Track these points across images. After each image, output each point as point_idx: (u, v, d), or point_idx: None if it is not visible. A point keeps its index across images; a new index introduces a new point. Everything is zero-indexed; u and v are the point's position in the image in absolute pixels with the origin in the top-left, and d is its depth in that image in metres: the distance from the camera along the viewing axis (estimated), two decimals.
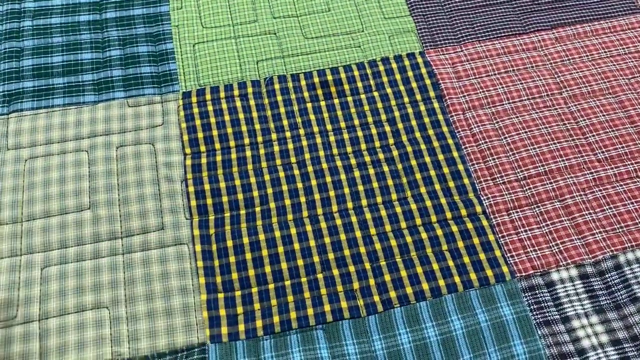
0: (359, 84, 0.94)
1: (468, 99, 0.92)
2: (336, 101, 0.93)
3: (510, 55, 0.97)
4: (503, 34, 0.99)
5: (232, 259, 0.77)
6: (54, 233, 0.78)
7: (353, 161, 0.86)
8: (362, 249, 0.79)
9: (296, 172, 0.85)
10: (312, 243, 0.79)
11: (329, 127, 0.90)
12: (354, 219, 0.81)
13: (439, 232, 0.80)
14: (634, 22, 1.01)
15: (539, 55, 0.97)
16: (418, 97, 0.93)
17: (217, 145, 0.87)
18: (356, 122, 0.90)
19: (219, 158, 0.86)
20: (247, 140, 0.88)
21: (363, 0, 1.03)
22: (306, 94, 0.93)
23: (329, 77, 0.95)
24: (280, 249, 0.78)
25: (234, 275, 0.76)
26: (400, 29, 1.00)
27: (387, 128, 0.90)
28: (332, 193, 0.84)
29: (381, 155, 0.87)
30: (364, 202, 0.83)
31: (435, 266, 0.77)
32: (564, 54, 0.97)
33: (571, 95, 0.93)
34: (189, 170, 0.85)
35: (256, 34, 0.99)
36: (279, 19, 1.01)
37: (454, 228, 0.80)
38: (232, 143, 0.88)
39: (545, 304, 0.74)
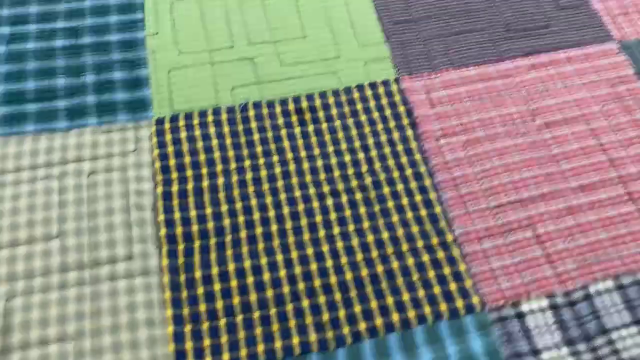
0: (334, 111, 0.94)
1: (442, 126, 0.93)
2: (311, 128, 0.93)
3: (485, 83, 0.98)
4: (478, 61, 1.00)
5: (200, 290, 0.76)
6: (20, 263, 0.77)
7: (326, 188, 0.86)
8: (333, 279, 0.78)
9: (268, 199, 0.85)
10: (282, 273, 0.78)
11: (302, 154, 0.90)
12: (325, 247, 0.81)
13: (410, 261, 0.79)
14: (607, 50, 1.02)
15: (514, 82, 0.98)
16: (392, 124, 0.93)
17: (189, 173, 0.87)
18: (330, 149, 0.90)
19: (190, 185, 0.86)
20: (219, 168, 0.88)
21: (339, 28, 1.03)
22: (281, 121, 0.93)
23: (304, 104, 0.95)
24: (250, 279, 0.77)
25: (202, 307, 0.75)
26: (375, 57, 1.00)
27: (361, 155, 0.90)
28: (303, 221, 0.83)
29: (354, 183, 0.87)
30: (336, 230, 0.82)
31: (406, 296, 0.76)
32: (538, 80, 0.98)
33: (545, 123, 0.93)
34: (159, 198, 0.84)
35: (232, 60, 0.99)
36: (255, 45, 1.01)
37: (425, 257, 0.80)
38: (204, 170, 0.87)
39: (516, 335, 0.74)
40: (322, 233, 0.82)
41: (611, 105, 0.95)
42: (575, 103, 0.95)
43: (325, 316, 0.75)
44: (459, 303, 0.76)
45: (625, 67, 1.00)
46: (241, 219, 0.83)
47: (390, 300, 0.76)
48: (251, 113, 0.94)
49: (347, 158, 0.89)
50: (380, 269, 0.79)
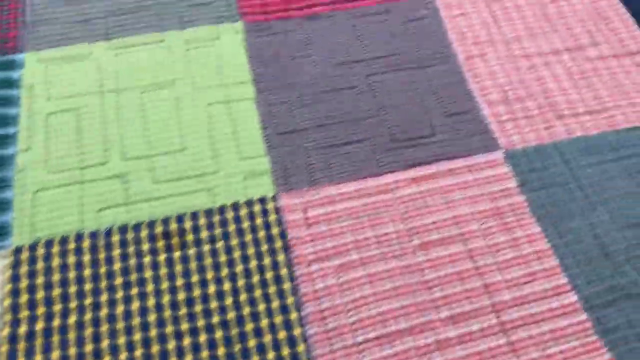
0: (204, 234, 0.90)
1: (315, 249, 0.89)
2: (177, 254, 0.88)
3: (363, 199, 0.95)
4: (359, 176, 0.98)
5: None
6: None
7: (185, 326, 0.82)
8: None
9: (121, 340, 0.80)
10: None
11: (164, 285, 0.85)
12: None
13: None
14: (491, 161, 1.00)
15: (393, 198, 0.95)
16: (264, 247, 0.89)
17: (40, 311, 0.82)
18: (194, 278, 0.86)
19: (39, 326, 0.81)
20: (73, 304, 0.83)
21: (220, 139, 1.01)
22: (145, 247, 0.89)
23: (173, 226, 0.91)
24: None
25: None
26: (255, 171, 0.97)
27: (227, 286, 0.85)
28: None
29: (216, 319, 0.82)
30: None
31: None
32: (417, 196, 0.96)
33: (421, 243, 0.90)
34: (4, 342, 0.79)
35: (103, 177, 0.96)
36: (130, 160, 0.98)
37: None
38: (56, 307, 0.82)
39: None
40: None
41: (491, 222, 0.93)
42: (455, 220, 0.93)
43: None
44: None
45: (508, 179, 0.98)
46: None
47: None
48: (115, 238, 0.89)
49: (212, 289, 0.85)
50: None
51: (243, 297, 0.85)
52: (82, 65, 1.07)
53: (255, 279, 0.86)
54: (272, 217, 0.92)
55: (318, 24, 1.16)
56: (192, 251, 0.89)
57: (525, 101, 1.08)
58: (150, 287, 0.85)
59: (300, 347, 0.80)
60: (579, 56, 1.15)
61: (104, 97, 1.04)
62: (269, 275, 0.87)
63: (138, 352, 0.79)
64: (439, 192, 0.96)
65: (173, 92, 1.05)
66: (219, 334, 0.81)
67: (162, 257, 0.88)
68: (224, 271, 0.87)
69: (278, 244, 0.90)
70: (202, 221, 0.92)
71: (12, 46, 1.09)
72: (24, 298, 0.83)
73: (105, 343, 0.80)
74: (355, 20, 1.17)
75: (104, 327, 0.81)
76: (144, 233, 0.90)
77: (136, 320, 0.82)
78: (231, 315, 0.83)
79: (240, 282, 0.86)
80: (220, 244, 0.89)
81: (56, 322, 0.81)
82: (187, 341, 0.80)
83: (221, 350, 0.80)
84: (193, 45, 1.11)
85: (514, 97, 1.08)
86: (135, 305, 0.83)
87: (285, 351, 0.80)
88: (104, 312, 0.82)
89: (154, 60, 1.09)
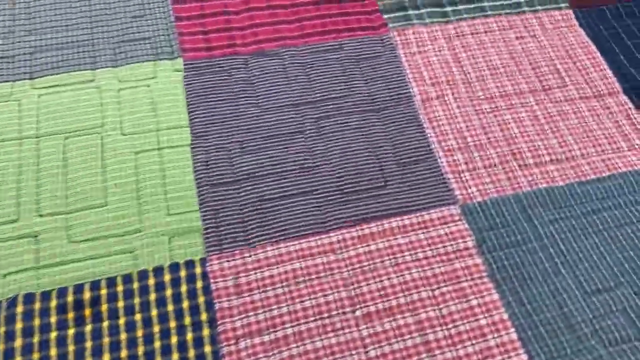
0: (120, 304, 0.80)
1: (246, 322, 0.79)
2: (88, 328, 0.78)
3: (305, 261, 0.85)
4: (301, 233, 0.88)
5: None
6: None
7: None
8: None
9: None
10: None
11: None
12: None
13: None
14: (447, 216, 0.91)
15: (337, 259, 0.86)
16: (187, 320, 0.79)
17: None
18: (105, 357, 0.76)
19: None
20: None
21: (147, 193, 0.91)
22: (53, 319, 0.78)
23: (86, 295, 0.81)
24: None
25: None
26: (184, 228, 0.88)
27: None
28: None
29: None
30: None
31: None
32: (364, 257, 0.86)
33: (365, 314, 0.81)
34: None
35: (13, 237, 0.85)
36: (45, 217, 0.87)
37: None
38: None
39: None
40: None
41: (443, 288, 0.84)
42: (404, 286, 0.84)
43: None
44: None
45: (465, 237, 0.89)
46: None
47: None
48: (19, 309, 0.79)
49: None
50: None
51: None
52: (1, 107, 0.97)
53: (175, 357, 0.76)
54: (199, 284, 0.82)
55: (265, 62, 1.07)
56: (105, 324, 0.78)
57: (486, 149, 0.99)
58: None
59: None
60: (546, 98, 1.07)
61: (22, 144, 0.94)
62: (191, 354, 0.76)
63: None
64: (388, 253, 0.87)
65: (99, 139, 0.95)
66: None
67: (71, 331, 0.78)
68: (140, 349, 0.77)
69: (203, 316, 0.80)
70: (119, 288, 0.81)
71: None
72: None
73: None
74: (305, 58, 1.09)
75: None
76: (53, 302, 0.80)
77: None
78: None
79: None
80: (139, 316, 0.79)
81: None
82: None
83: None
84: (126, 85, 1.02)
85: (474, 144, 1.00)
86: None
87: None
88: None
89: (81, 102, 0.99)
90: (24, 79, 1.01)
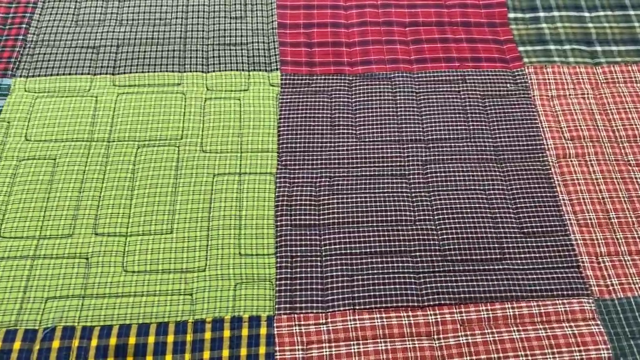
0: (168, 358, 0.67)
1: None
2: None
3: (392, 342, 0.69)
4: (390, 304, 0.72)
5: None
6: None
7: None
8: None
9: None
10: None
11: None
12: None
13: None
14: (576, 312, 0.72)
15: (431, 347, 0.69)
16: None
17: None
18: None
19: None
20: None
21: (219, 224, 0.78)
22: None
23: (131, 340, 0.68)
24: None
25: None
26: (254, 275, 0.74)
27: None
28: None
29: None
30: None
31: None
32: (465, 350, 0.69)
33: None
34: None
35: (62, 255, 0.74)
36: (101, 236, 0.76)
37: None
38: None
39: None
40: None
41: None
42: None
43: None
44: None
45: (598, 344, 0.69)
46: None
47: None
48: (55, 344, 0.68)
49: None
50: None
51: None
52: (77, 102, 0.88)
53: None
54: (262, 350, 0.68)
55: (372, 86, 0.92)
56: None
57: (634, 229, 0.79)
58: None
59: None
60: None
61: (90, 147, 0.84)
62: None
63: None
64: (498, 350, 0.69)
65: (175, 152, 0.83)
66: None
67: None
68: None
69: None
70: (170, 338, 0.69)
71: (2, 68, 0.91)
72: None
73: None
74: (420, 87, 0.93)
75: None
76: (94, 342, 0.68)
77: None
78: None
79: None
80: None
81: None
82: None
83: None
84: (215, 95, 0.89)
85: (619, 221, 0.80)
86: None
87: None
88: None
89: (163, 107, 0.88)
90: (106, 73, 0.91)
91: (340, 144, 0.86)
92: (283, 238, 0.77)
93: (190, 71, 0.92)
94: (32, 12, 0.97)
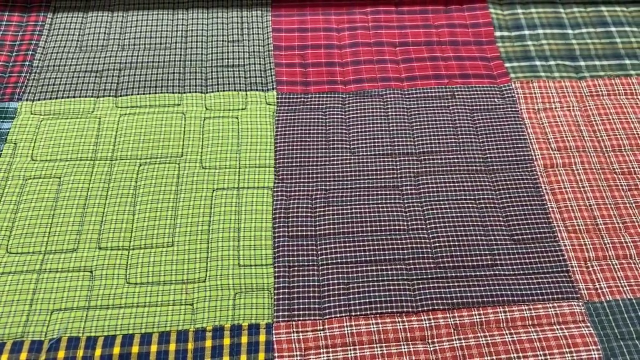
0: None
1: None
2: None
3: (387, 347, 0.71)
4: (385, 310, 0.74)
5: None
6: None
7: None
8: None
9: None
10: None
11: None
12: None
13: None
14: (567, 314, 0.74)
15: (425, 350, 0.71)
16: None
17: None
18: None
19: None
20: None
21: (218, 237, 0.80)
22: None
23: (134, 349, 0.70)
24: None
25: None
26: (253, 285, 0.76)
27: None
28: None
29: None
30: None
31: None
32: (459, 354, 0.71)
33: None
34: None
35: (67, 269, 0.77)
36: (105, 250, 0.79)
37: None
38: None
39: None
40: None
41: None
42: None
43: None
44: None
45: (589, 346, 0.71)
46: None
47: None
48: (61, 354, 0.70)
49: None
50: None
51: None
52: (80, 123, 0.91)
53: None
54: (261, 357, 0.70)
55: (365, 103, 0.96)
56: None
57: (620, 234, 0.81)
58: None
59: None
60: None
61: (94, 166, 0.87)
62: None
63: None
64: (490, 352, 0.71)
65: (176, 169, 0.86)
66: None
67: None
68: None
69: None
70: (172, 347, 0.71)
71: (10, 92, 0.95)
72: None
73: None
74: (410, 102, 0.96)
75: None
76: (97, 352, 0.70)
77: None
78: None
79: None
80: None
81: None
82: None
83: None
84: (213, 114, 0.93)
85: (606, 226, 0.82)
86: None
87: None
88: None
89: (164, 127, 0.91)
90: (109, 95, 0.95)
91: (335, 158, 0.89)
92: (280, 248, 0.79)
93: (190, 92, 0.96)
94: (37, 40, 1.01)
